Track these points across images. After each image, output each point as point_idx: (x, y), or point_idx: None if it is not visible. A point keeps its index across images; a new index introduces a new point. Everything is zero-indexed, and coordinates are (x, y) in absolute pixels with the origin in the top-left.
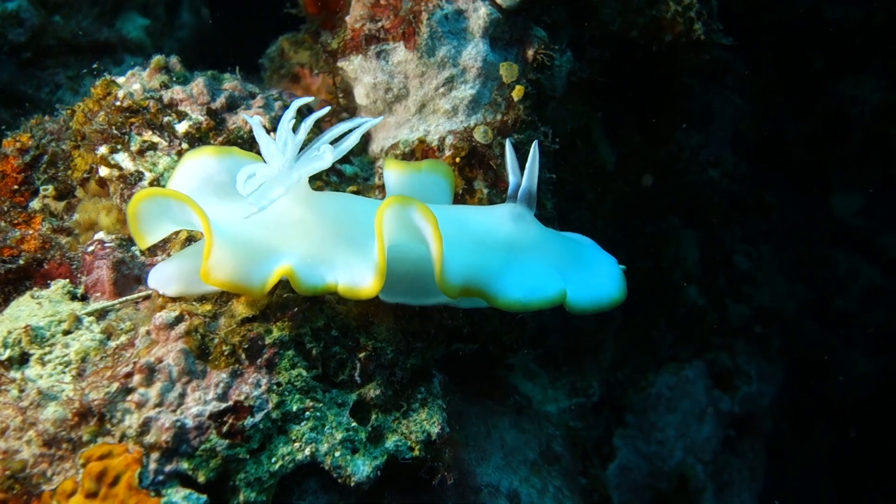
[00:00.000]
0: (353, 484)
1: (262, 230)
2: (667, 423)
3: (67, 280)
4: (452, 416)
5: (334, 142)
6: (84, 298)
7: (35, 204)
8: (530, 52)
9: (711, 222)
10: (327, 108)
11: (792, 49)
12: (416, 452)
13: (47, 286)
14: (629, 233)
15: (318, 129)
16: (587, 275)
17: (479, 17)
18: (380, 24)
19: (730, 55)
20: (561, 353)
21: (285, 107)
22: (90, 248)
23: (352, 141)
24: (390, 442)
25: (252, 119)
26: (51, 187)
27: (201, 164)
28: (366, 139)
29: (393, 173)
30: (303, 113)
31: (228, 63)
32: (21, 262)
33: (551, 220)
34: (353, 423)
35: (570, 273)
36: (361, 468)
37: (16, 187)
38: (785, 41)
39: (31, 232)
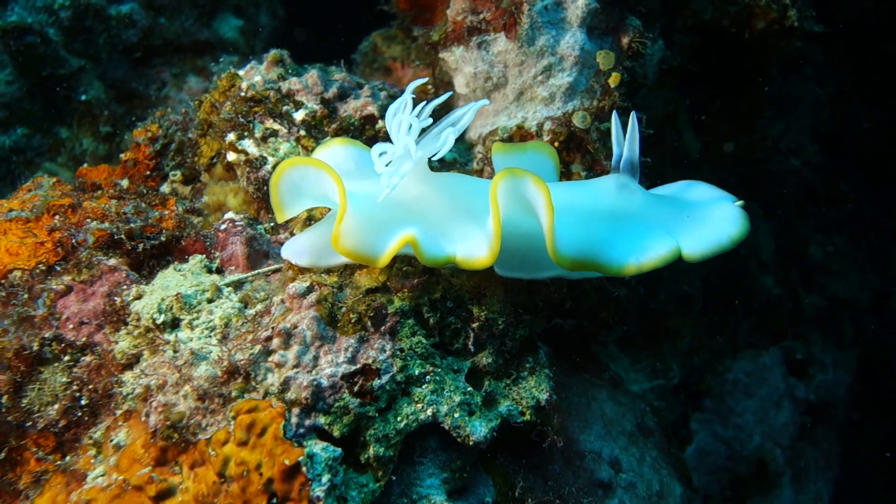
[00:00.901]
0: (471, 443)
1: (386, 205)
2: (745, 408)
3: (203, 255)
4: (557, 386)
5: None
6: (220, 272)
7: (165, 188)
8: (625, 41)
9: (786, 212)
10: (448, 94)
11: (870, 38)
12: (527, 417)
13: (186, 261)
14: None
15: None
16: (699, 224)
17: (577, 6)
18: (481, 15)
19: (807, 44)
20: (640, 336)
21: (389, 96)
22: (223, 227)
23: (466, 121)
24: (503, 406)
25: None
26: (179, 173)
27: (331, 154)
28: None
29: (500, 156)
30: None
31: (305, 60)
32: (163, 238)
33: None
34: (469, 388)
35: (681, 228)
36: (479, 429)
37: (147, 173)
38: (863, 30)
39: (167, 212)
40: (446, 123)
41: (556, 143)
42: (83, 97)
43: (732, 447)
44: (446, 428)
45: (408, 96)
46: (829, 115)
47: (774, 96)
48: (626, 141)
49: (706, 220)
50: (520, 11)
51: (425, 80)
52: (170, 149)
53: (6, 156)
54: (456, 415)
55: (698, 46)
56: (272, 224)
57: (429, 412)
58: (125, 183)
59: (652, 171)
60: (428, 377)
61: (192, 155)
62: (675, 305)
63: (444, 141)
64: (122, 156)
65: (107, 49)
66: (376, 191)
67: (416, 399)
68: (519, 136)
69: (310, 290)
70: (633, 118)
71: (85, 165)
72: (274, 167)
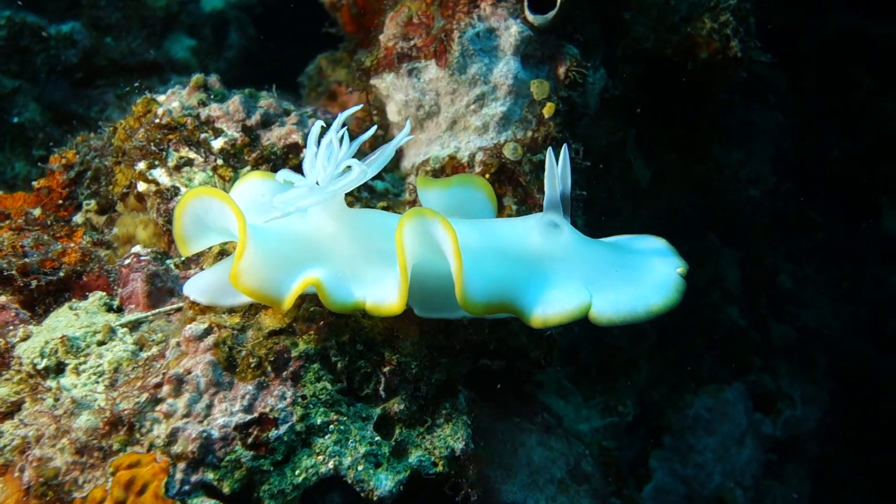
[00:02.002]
0: (375, 498)
1: (296, 243)
2: (705, 445)
3: (104, 292)
4: (478, 433)
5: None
6: (119, 310)
7: (78, 218)
8: (562, 70)
9: (753, 241)
10: (373, 129)
11: (837, 67)
12: (440, 468)
13: (86, 298)
14: None
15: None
16: (624, 284)
17: (510, 35)
18: (412, 42)
19: (771, 72)
20: (594, 370)
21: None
22: (126, 261)
23: (387, 156)
24: (414, 457)
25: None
26: (93, 202)
27: (248, 188)
28: (398, 156)
29: (426, 191)
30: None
31: (274, 81)
32: (61, 274)
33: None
34: (377, 437)
35: (604, 282)
36: (384, 482)
37: (60, 202)
38: (830, 59)
39: (72, 245)
40: (369, 158)
41: (487, 175)
42: (16, 119)
43: (692, 486)
44: (349, 482)
45: (336, 127)
46: (792, 142)
47: (734, 124)
48: (557, 176)
49: (633, 281)
50: (450, 39)
51: (357, 107)
52: (85, 176)
53: None
54: (360, 467)
55: (642, 75)
56: (183, 259)
57: (330, 465)
58: (37, 212)
59: (600, 203)
60: (331, 426)
61: (107, 183)
62: (629, 339)
63: (353, 174)
64: (34, 183)
65: (45, 69)
66: (292, 223)
67: (318, 451)
68: (451, 166)
69: (208, 332)
70: (564, 151)
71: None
72: None
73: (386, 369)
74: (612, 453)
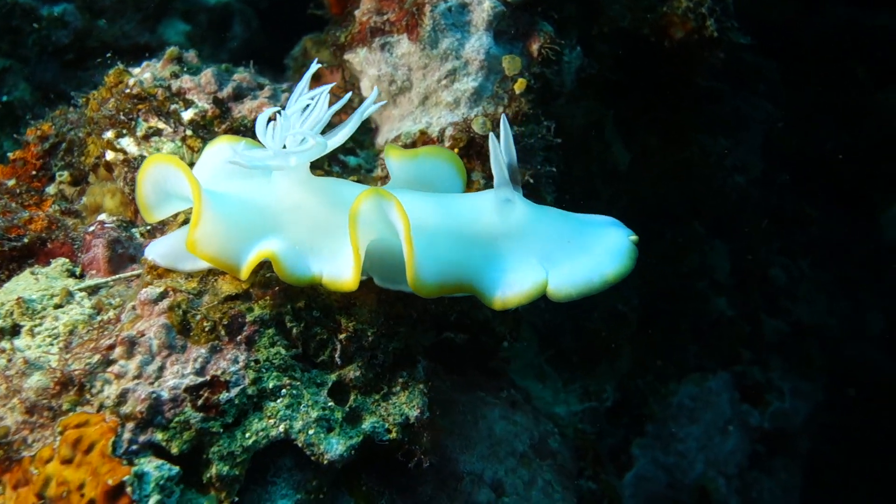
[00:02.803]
0: (325, 462)
1: (256, 212)
2: (688, 434)
3: (68, 259)
4: (438, 403)
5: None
6: (82, 276)
7: (51, 189)
8: (535, 47)
9: (744, 232)
10: (347, 97)
11: (833, 58)
12: (394, 435)
13: (49, 264)
14: (647, 236)
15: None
16: (577, 255)
17: (483, 10)
18: (385, 16)
19: (763, 61)
20: (575, 355)
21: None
22: (91, 229)
23: (352, 126)
24: (367, 423)
25: (259, 118)
26: (66, 173)
27: (217, 151)
28: (372, 132)
29: (394, 161)
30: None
31: (275, 72)
32: (25, 240)
33: None
34: (330, 403)
35: (558, 256)
36: (335, 446)
37: (34, 173)
38: (826, 51)
39: (39, 213)
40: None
41: (456, 150)
42: (5, 98)
43: (674, 475)
44: (299, 445)
45: (298, 93)
46: (787, 135)
47: (721, 112)
48: (502, 151)
49: (586, 251)
50: (421, 13)
51: (318, 65)
52: (60, 148)
53: None
54: (311, 431)
55: (620, 55)
56: (149, 228)
57: (281, 428)
58: (11, 183)
59: (579, 183)
60: (284, 391)
61: (80, 154)
62: (609, 324)
63: (314, 145)
64: (9, 155)
65: (36, 50)
66: (257, 190)
67: (269, 414)
68: (422, 141)
69: (163, 295)
70: (503, 122)
71: None
72: None
73: (342, 336)
74: (588, 436)
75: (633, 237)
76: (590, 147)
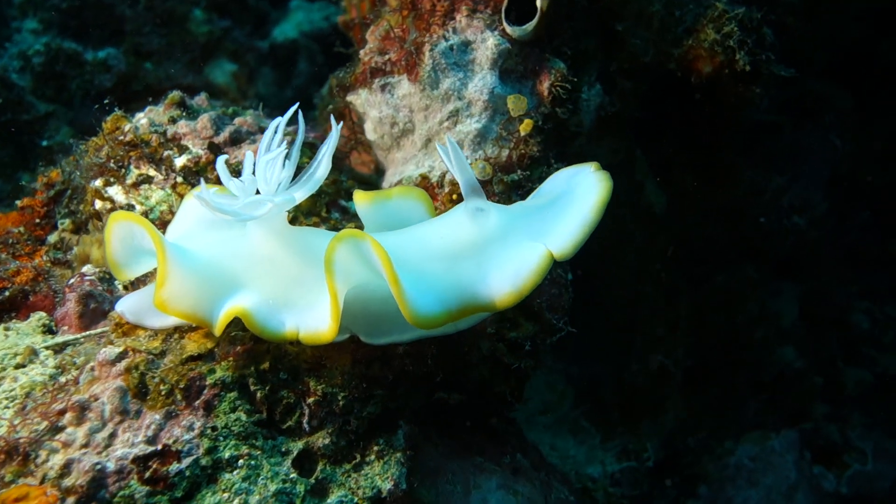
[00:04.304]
0: None
1: (227, 266)
2: (747, 498)
3: (46, 313)
4: (422, 473)
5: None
6: (55, 332)
7: (52, 237)
8: (546, 85)
9: (816, 275)
10: (300, 138)
11: None
12: None
13: (28, 318)
14: (695, 281)
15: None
16: (560, 214)
17: (486, 48)
18: (387, 56)
19: (832, 90)
20: (616, 410)
21: (292, 142)
22: (71, 282)
23: (322, 172)
24: (334, 497)
25: (218, 160)
26: (68, 221)
27: (195, 202)
28: (378, 175)
29: (363, 205)
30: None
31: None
32: (6, 293)
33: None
34: (293, 475)
35: (545, 225)
36: None
37: (37, 220)
38: None
39: (27, 265)
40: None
41: (455, 195)
42: (45, 143)
43: None
44: None
45: (268, 140)
46: (857, 167)
47: (777, 147)
48: (454, 165)
49: (566, 205)
50: (420, 52)
51: (294, 108)
52: (65, 195)
53: None
54: None
55: (647, 91)
56: (132, 281)
57: (235, 503)
58: (16, 231)
59: (605, 228)
60: (241, 461)
61: (79, 202)
62: (652, 378)
63: (283, 196)
64: (17, 202)
65: (80, 94)
66: (231, 242)
67: (223, 487)
68: (423, 187)
69: (122, 356)
70: (448, 141)
71: None
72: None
73: (310, 400)
74: (622, 501)
75: (594, 165)
76: (618, 189)
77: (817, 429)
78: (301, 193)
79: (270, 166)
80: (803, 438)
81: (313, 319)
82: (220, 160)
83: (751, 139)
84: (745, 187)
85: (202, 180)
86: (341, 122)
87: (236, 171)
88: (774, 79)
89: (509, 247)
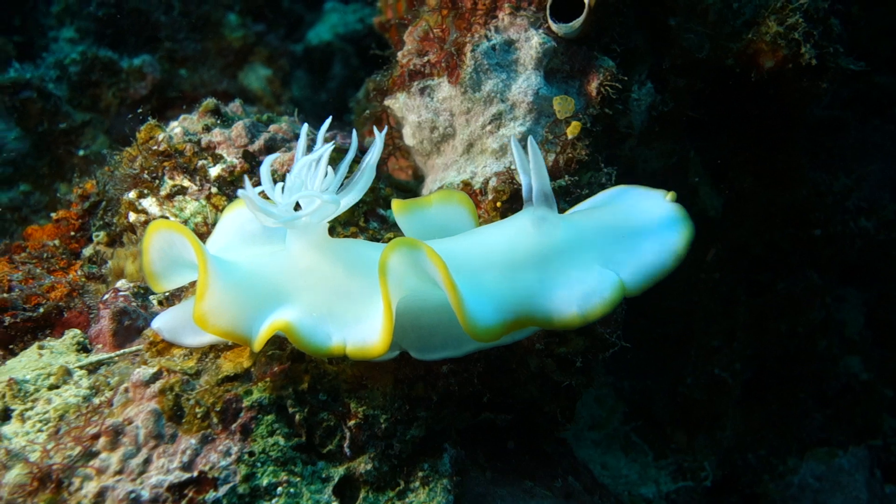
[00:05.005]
0: None
1: (269, 279)
2: None
3: (80, 331)
4: (470, 499)
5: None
6: (90, 350)
7: (87, 251)
8: (594, 85)
9: (882, 280)
10: (353, 151)
11: None
12: None
13: (63, 336)
14: (755, 290)
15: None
16: (641, 243)
17: (531, 47)
18: (426, 58)
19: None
20: (669, 425)
21: (336, 149)
22: (105, 297)
23: (364, 181)
24: None
25: (263, 165)
26: (103, 234)
27: (236, 215)
28: (418, 181)
29: (401, 214)
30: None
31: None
32: (41, 310)
33: None
34: (335, 502)
35: (619, 253)
36: None
37: (72, 233)
38: None
39: (61, 280)
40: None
41: (500, 203)
42: (81, 152)
43: None
44: None
45: (302, 151)
46: None
47: (844, 145)
48: (532, 169)
49: (643, 235)
50: (462, 53)
51: (328, 122)
52: (100, 207)
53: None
54: None
55: (700, 90)
56: (167, 295)
57: None
58: (51, 244)
59: None
60: (280, 489)
61: (114, 214)
62: (708, 392)
63: (324, 204)
64: (52, 215)
65: (115, 103)
66: (272, 256)
67: None
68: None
69: (156, 377)
70: (530, 142)
71: (34, 225)
72: None
73: (351, 423)
74: None
75: (669, 195)
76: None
77: (888, 445)
78: (348, 199)
79: (313, 175)
80: (873, 456)
81: (362, 332)
82: (266, 164)
83: (813, 137)
84: (807, 188)
85: (245, 178)
86: (385, 129)
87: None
88: (842, 73)
89: (578, 266)
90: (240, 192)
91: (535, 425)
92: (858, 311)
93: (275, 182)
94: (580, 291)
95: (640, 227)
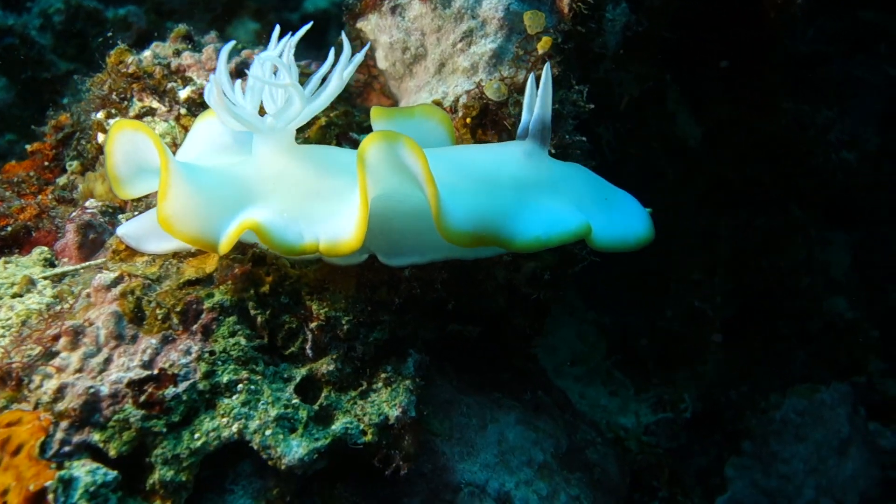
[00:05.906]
0: (283, 467)
1: (237, 183)
2: (794, 453)
3: (47, 247)
4: (434, 404)
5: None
6: (55, 265)
7: (62, 180)
8: (566, 1)
9: (870, 222)
10: (327, 66)
11: None
12: (369, 437)
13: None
14: (734, 225)
15: None
16: (611, 211)
17: None
18: None
19: (886, 19)
20: (651, 360)
21: (303, 73)
22: (72, 215)
23: (335, 86)
24: (339, 424)
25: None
26: (76, 163)
27: (206, 126)
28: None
29: (381, 123)
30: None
31: None
32: (9, 229)
33: None
34: (295, 400)
35: (592, 208)
36: (295, 449)
37: (46, 164)
38: None
39: (31, 203)
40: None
41: (469, 119)
42: (66, 101)
43: (776, 500)
44: (255, 448)
45: (269, 54)
46: None
47: (827, 79)
48: (538, 99)
49: (619, 210)
50: None
51: (308, 25)
52: (74, 138)
53: None
54: (268, 432)
55: (675, 9)
56: (137, 213)
57: (234, 428)
58: (29, 175)
59: (634, 160)
60: (240, 386)
61: (86, 141)
62: (688, 324)
63: (290, 104)
64: (27, 147)
65: (100, 52)
66: (240, 164)
67: (222, 412)
68: None
69: (117, 281)
70: (546, 69)
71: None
72: None
73: (313, 325)
74: (656, 450)
75: (648, 209)
76: (646, 119)
77: (872, 384)
78: (316, 104)
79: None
80: (856, 392)
81: (335, 227)
82: (224, 51)
83: (796, 72)
84: (787, 120)
85: (212, 75)
86: (366, 46)
87: None
88: None
89: (555, 201)
90: (211, 76)
91: (505, 339)
92: (845, 252)
93: None
94: (548, 219)
95: (618, 204)
